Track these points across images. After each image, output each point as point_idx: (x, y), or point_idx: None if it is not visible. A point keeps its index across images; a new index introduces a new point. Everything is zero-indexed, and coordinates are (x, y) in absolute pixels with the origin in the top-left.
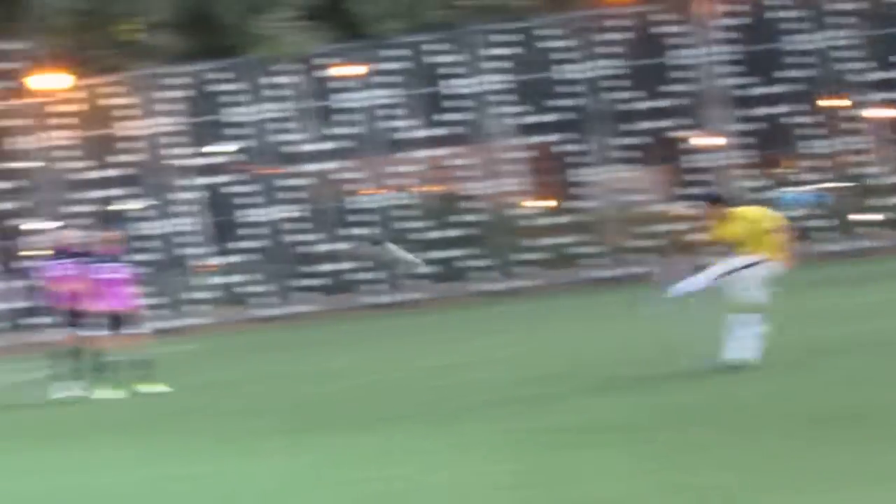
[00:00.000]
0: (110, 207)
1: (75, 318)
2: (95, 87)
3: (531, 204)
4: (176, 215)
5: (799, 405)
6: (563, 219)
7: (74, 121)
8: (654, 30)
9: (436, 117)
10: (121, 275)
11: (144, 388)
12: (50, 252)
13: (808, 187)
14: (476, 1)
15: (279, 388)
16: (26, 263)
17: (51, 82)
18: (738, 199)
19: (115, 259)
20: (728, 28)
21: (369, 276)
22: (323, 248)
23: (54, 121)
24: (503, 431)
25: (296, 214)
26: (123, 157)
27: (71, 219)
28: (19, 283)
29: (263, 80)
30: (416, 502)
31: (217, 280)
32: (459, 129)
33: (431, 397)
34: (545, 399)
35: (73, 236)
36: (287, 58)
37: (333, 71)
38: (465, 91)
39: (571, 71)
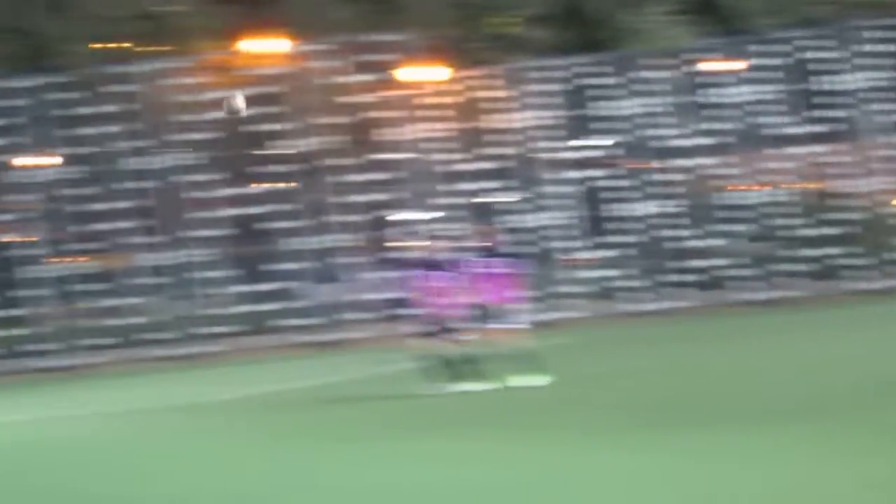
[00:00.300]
0: (480, 200)
1: (445, 312)
2: (468, 80)
3: None
4: (547, 209)
5: None
6: None
7: (446, 113)
8: None
9: (810, 114)
10: (495, 268)
11: (516, 380)
12: (421, 251)
13: None
14: None
15: (650, 383)
16: (396, 255)
17: (422, 74)
18: None
19: (490, 253)
20: None
21: (743, 272)
22: (696, 243)
23: (426, 112)
24: (877, 430)
25: (668, 210)
26: (494, 150)
27: (440, 210)
28: (390, 274)
29: (635, 75)
30: (782, 499)
31: (588, 274)
32: (835, 126)
33: (802, 394)
34: None
35: (445, 236)
36: (659, 52)
37: (705, 65)
38: (842, 87)
39: None
